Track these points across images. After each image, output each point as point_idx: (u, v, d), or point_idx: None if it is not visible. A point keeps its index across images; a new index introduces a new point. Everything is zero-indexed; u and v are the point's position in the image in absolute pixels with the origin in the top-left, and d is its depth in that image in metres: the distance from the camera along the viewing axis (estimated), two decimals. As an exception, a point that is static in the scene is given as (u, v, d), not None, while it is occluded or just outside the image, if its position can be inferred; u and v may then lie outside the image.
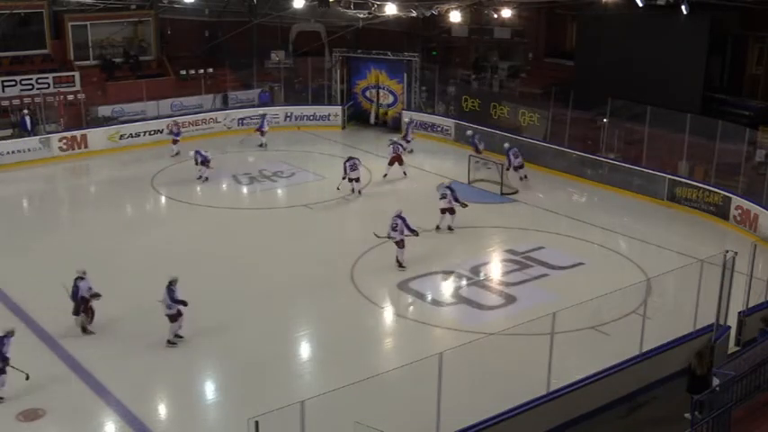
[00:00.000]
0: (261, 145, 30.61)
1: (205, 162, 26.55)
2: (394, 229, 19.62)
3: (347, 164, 25.23)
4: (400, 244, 19.61)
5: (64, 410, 13.90)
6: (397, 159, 27.19)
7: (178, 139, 29.45)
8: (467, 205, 22.27)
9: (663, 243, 21.59)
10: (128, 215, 24.59)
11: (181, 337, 16.13)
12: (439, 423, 11.94)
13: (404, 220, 19.63)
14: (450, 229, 22.19)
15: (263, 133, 30.71)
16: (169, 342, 15.95)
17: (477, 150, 28.40)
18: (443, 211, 22.21)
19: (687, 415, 12.78)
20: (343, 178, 25.19)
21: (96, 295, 16.41)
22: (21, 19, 32.51)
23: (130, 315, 17.22)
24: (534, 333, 14.23)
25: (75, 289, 16.28)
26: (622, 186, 25.96)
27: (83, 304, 16.34)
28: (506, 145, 27.36)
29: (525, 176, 26.86)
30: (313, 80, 34.98)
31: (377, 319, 17.86)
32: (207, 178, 26.49)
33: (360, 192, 25.40)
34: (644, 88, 27.76)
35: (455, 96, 34.02)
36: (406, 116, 32.62)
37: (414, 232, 19.75)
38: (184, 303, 15.86)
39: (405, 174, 27.26)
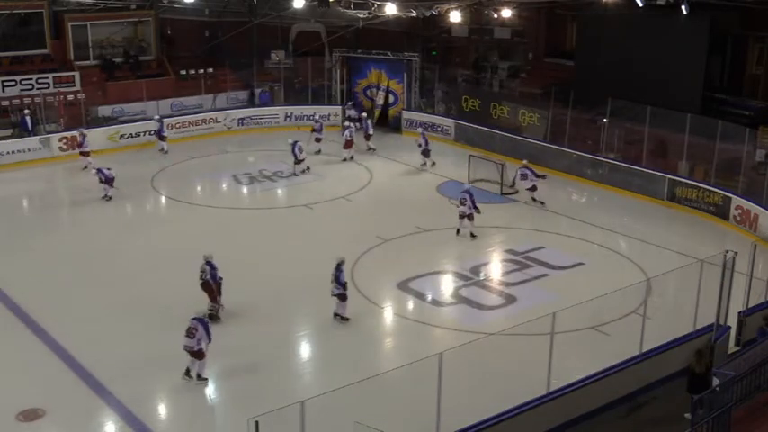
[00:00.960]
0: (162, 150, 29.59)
1: (108, 181, 24.61)
2: (463, 203, 21.19)
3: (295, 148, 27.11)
4: (470, 217, 21.25)
5: (64, 410, 13.90)
6: (350, 144, 29.04)
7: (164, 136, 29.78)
8: (480, 212, 22.00)
9: (663, 243, 21.59)
10: (128, 215, 24.57)
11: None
12: (439, 423, 11.94)
13: (471, 195, 21.29)
14: (472, 236, 21.78)
15: (162, 138, 29.96)
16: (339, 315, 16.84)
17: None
18: (462, 216, 21.86)
19: (687, 415, 12.78)
20: (296, 163, 27.20)
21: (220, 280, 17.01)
22: (21, 19, 32.51)
23: (130, 315, 17.23)
24: (534, 333, 14.24)
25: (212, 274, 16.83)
26: (622, 186, 25.96)
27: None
28: (524, 161, 25.50)
29: (540, 202, 24.69)
30: (313, 80, 34.99)
31: (377, 319, 17.86)
32: (110, 197, 24.68)
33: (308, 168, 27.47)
34: (644, 88, 27.76)
35: (444, 98, 33.98)
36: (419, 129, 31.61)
37: (477, 209, 21.44)
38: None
39: (370, 148, 29.31)
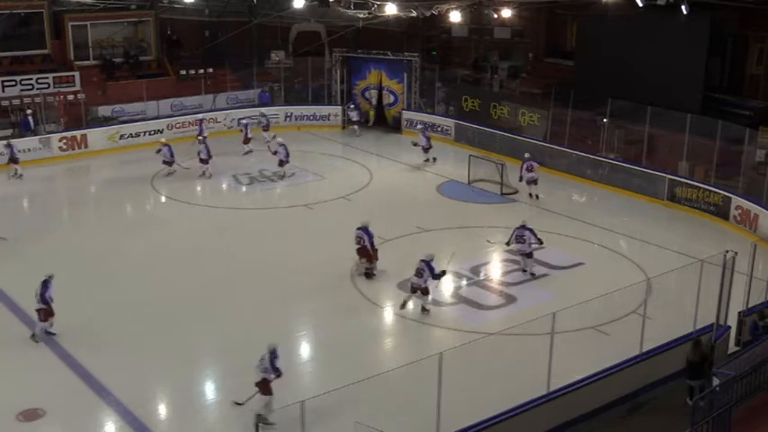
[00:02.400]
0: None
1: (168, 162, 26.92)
2: (520, 240, 19.22)
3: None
4: (424, 291, 17.60)
5: (64, 410, 13.90)
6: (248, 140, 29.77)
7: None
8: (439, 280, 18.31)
9: (663, 243, 21.59)
10: (128, 215, 24.58)
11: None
12: (439, 423, 11.93)
13: (531, 230, 19.18)
14: (424, 309, 18.89)
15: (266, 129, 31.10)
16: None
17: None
18: (415, 289, 18.09)
19: (688, 400, 13.08)
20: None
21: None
22: (21, 19, 32.49)
23: (130, 315, 17.23)
24: (534, 333, 14.25)
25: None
26: (622, 186, 25.96)
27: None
28: (526, 155, 25.83)
29: (536, 196, 25.07)
30: (313, 80, 34.97)
31: (377, 319, 17.85)
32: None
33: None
34: (644, 88, 27.75)
35: (443, 98, 33.99)
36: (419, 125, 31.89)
37: (540, 242, 19.48)
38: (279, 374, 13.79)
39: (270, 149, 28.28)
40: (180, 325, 16.88)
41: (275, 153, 27.34)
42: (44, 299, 16.05)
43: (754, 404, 13.24)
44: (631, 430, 13.66)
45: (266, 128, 31.61)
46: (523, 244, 19.34)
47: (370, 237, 19.04)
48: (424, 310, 17.53)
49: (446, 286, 19.11)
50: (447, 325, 17.21)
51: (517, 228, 19.46)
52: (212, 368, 15.71)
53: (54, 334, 16.24)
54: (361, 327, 17.15)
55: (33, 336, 16.14)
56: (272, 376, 13.45)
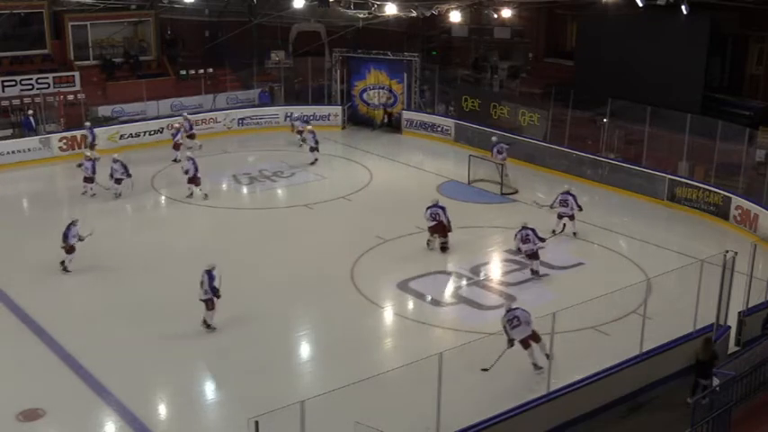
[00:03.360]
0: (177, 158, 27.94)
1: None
2: (525, 241, 19.17)
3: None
4: (534, 255, 19.29)
5: (64, 410, 13.90)
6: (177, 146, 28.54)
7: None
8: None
9: (663, 243, 21.59)
10: (128, 215, 24.56)
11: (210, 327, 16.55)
12: (439, 423, 11.94)
13: (533, 230, 19.24)
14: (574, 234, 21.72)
15: (192, 136, 29.61)
16: (206, 325, 16.57)
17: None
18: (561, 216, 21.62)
19: (689, 399, 13.08)
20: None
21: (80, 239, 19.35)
22: (21, 19, 32.50)
23: (131, 315, 17.23)
24: (534, 333, 14.23)
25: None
26: (622, 186, 25.96)
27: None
28: (493, 138, 27.40)
29: (506, 174, 25.80)
30: (313, 80, 34.96)
31: (377, 319, 17.85)
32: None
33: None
34: (644, 88, 27.76)
35: (443, 98, 34.02)
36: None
37: (543, 240, 19.54)
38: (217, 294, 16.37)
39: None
40: (180, 325, 16.87)
41: (186, 172, 24.99)
42: (67, 239, 19.11)
43: (754, 404, 13.25)
44: (631, 430, 13.65)
45: (191, 134, 29.90)
46: (528, 243, 19.32)
47: (445, 212, 20.72)
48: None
49: (446, 286, 19.13)
50: (447, 325, 17.20)
51: (522, 228, 19.42)
52: (212, 368, 15.69)
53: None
54: (361, 327, 17.15)
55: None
56: (215, 297, 16.19)
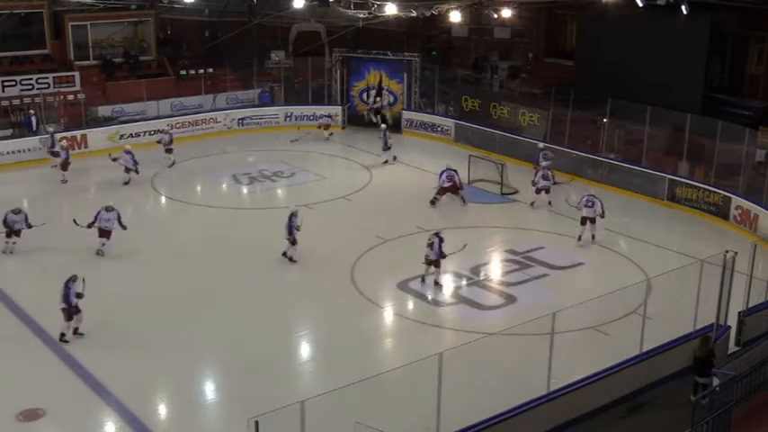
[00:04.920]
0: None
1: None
2: (430, 246, 18.62)
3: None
4: (436, 263, 18.68)
5: (64, 410, 13.90)
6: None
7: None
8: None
9: (663, 243, 21.59)
10: (127, 215, 24.48)
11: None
12: (439, 423, 11.93)
13: (441, 240, 18.61)
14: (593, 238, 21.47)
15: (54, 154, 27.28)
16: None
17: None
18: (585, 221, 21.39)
19: (692, 397, 13.20)
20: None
21: (80, 295, 16.12)
22: (21, 19, 32.50)
23: (130, 315, 17.24)
24: (534, 333, 14.21)
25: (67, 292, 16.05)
26: (622, 186, 25.96)
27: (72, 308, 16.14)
28: (541, 145, 27.37)
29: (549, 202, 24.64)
30: (313, 80, 34.96)
31: (377, 319, 17.86)
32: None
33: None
34: (644, 88, 27.76)
35: (443, 98, 34.01)
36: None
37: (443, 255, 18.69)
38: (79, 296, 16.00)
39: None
40: (180, 325, 16.89)
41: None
42: (68, 300, 15.97)
43: (754, 404, 13.25)
44: (631, 430, 13.65)
45: (169, 148, 28.32)
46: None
47: (458, 174, 24.28)
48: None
49: (446, 286, 19.13)
50: (447, 325, 17.21)
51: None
52: (212, 368, 15.71)
53: (81, 334, 16.18)
54: (361, 327, 17.14)
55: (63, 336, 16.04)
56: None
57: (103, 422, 13.68)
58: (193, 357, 15.73)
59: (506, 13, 32.55)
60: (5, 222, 20.31)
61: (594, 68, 30.24)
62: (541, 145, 27.31)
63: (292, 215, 19.80)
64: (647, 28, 28.76)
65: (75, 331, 16.13)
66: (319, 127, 32.18)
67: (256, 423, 10.17)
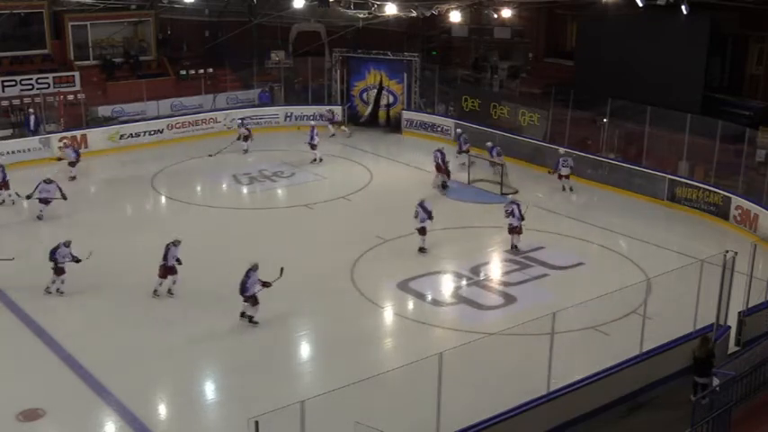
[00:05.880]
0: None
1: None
2: (511, 214, 20.65)
3: None
4: (518, 230, 20.74)
5: (64, 410, 13.90)
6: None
7: None
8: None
9: (663, 243, 21.59)
10: (128, 215, 24.57)
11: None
12: (439, 423, 11.93)
13: (518, 205, 20.76)
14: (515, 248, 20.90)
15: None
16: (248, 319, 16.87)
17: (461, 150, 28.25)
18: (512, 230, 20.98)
19: (692, 397, 13.18)
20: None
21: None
22: (21, 19, 32.50)
23: (130, 315, 17.24)
24: (534, 333, 14.20)
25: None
26: (622, 186, 25.96)
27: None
28: (488, 144, 27.73)
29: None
30: (313, 80, 34.97)
31: (377, 319, 17.86)
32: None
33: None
34: (644, 88, 27.76)
35: (443, 97, 34.00)
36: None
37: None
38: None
39: None
40: (180, 325, 16.89)
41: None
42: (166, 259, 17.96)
43: (754, 404, 13.25)
44: (631, 430, 13.66)
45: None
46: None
47: (442, 154, 25.96)
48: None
49: (446, 286, 19.13)
50: (447, 325, 17.21)
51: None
52: (212, 368, 15.71)
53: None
54: (361, 327, 17.14)
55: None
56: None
57: (103, 422, 13.68)
58: (194, 357, 15.73)
59: (506, 13, 32.55)
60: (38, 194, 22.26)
61: (594, 68, 30.24)
62: (562, 151, 26.53)
63: (250, 270, 16.74)
64: (647, 28, 28.76)
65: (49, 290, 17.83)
66: (337, 125, 32.35)
67: (256, 423, 10.17)
